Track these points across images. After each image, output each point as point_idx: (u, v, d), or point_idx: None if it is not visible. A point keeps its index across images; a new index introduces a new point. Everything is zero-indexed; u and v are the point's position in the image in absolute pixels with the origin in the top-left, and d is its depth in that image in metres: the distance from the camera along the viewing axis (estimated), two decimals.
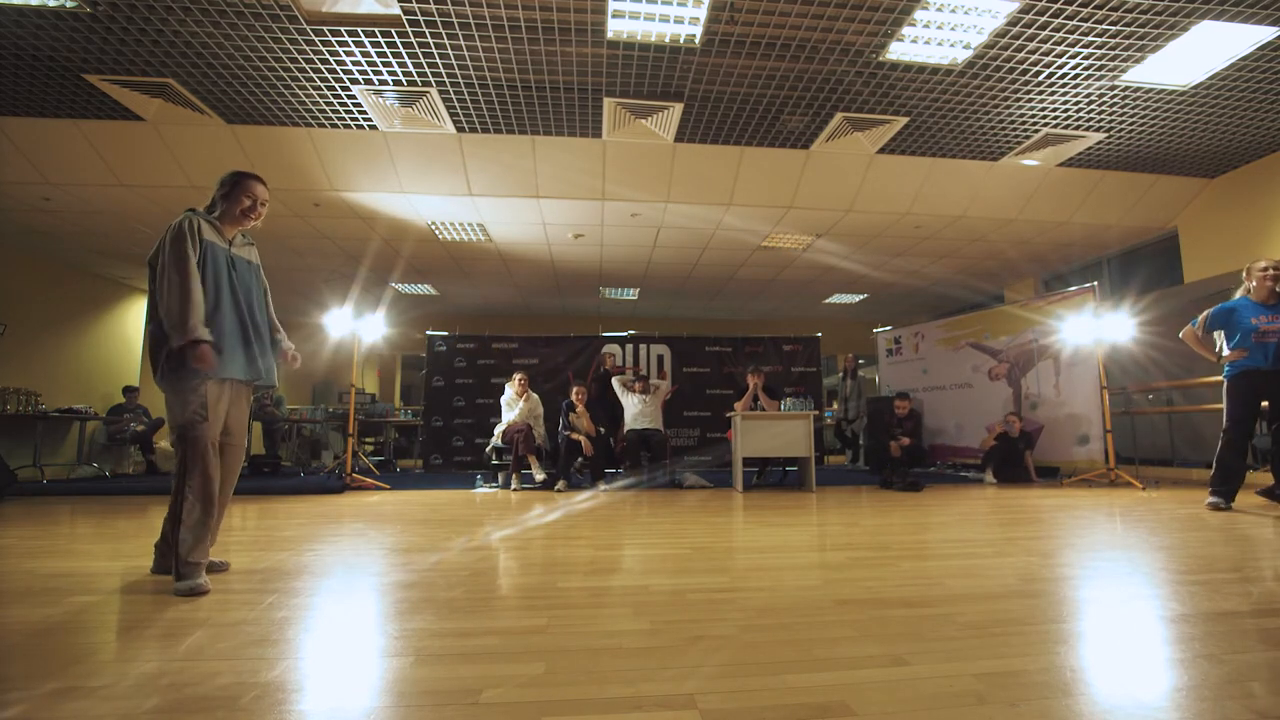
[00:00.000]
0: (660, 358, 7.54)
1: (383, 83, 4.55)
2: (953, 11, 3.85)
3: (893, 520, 3.49)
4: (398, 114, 4.95)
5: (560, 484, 5.33)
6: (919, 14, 3.87)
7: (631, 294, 10.00)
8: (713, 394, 7.46)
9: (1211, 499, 3.84)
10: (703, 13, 3.85)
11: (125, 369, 8.68)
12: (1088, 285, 6.30)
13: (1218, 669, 1.28)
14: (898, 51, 4.25)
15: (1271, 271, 3.83)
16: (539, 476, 5.37)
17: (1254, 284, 3.89)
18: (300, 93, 4.67)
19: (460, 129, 5.23)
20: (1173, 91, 4.77)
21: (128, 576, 2.16)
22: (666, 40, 4.13)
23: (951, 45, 4.19)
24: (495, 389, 6.69)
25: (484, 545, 2.79)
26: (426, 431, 7.25)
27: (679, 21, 3.95)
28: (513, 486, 5.43)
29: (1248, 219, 6.05)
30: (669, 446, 5.96)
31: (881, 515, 3.71)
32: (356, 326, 5.79)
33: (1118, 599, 1.84)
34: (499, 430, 5.73)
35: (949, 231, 7.08)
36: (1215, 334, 4.05)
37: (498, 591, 1.97)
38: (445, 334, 7.48)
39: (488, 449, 5.83)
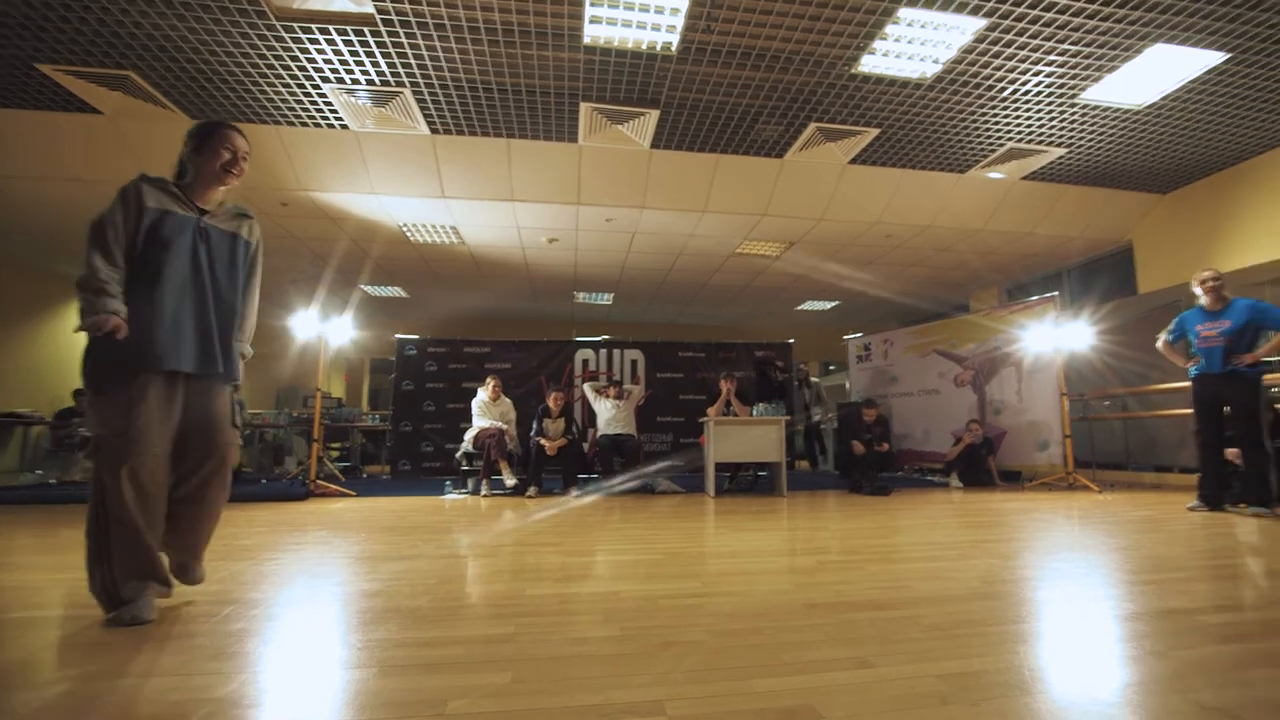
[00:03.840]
0: (634, 363, 7.54)
1: (355, 82, 4.48)
2: (922, 27, 3.95)
3: (861, 524, 3.54)
4: (370, 114, 4.88)
5: (531, 490, 5.28)
6: (890, 28, 3.96)
7: (606, 299, 9.99)
8: (686, 399, 7.48)
9: (1192, 503, 4.08)
10: (679, 21, 3.88)
11: (75, 372, 8.33)
12: (1049, 295, 6.50)
13: (1164, 664, 1.33)
14: (869, 64, 4.34)
15: (1210, 282, 4.05)
16: (510, 482, 5.31)
17: (1200, 293, 4.11)
18: (269, 89, 4.56)
19: (434, 130, 5.17)
20: (1128, 110, 4.97)
21: (73, 590, 2.07)
22: (643, 47, 4.15)
23: (921, 60, 4.30)
24: (466, 393, 6.60)
25: (452, 552, 2.74)
26: (395, 437, 7.11)
27: (656, 29, 3.97)
28: (483, 492, 5.36)
29: (1197, 233, 6.33)
30: (642, 452, 5.96)
31: (850, 519, 3.76)
32: (323, 329, 5.66)
33: (1075, 599, 1.89)
34: (470, 435, 5.65)
35: (918, 241, 7.25)
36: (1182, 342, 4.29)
37: (465, 599, 1.93)
38: (415, 337, 7.36)
39: (458, 454, 5.75)
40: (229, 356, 1.88)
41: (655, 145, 5.48)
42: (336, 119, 4.96)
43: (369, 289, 9.09)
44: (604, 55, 4.22)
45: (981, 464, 6.25)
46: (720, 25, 3.94)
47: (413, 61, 4.25)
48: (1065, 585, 2.08)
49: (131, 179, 1.80)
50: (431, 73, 4.38)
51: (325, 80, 4.44)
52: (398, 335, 7.38)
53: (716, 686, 1.23)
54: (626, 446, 5.84)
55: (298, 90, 4.56)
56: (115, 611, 1.65)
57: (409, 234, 6.82)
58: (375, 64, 4.27)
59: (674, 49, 4.16)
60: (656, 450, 7.27)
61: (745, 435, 5.35)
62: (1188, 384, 4.23)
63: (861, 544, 2.88)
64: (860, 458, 5.85)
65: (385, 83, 4.50)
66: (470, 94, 4.65)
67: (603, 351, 7.55)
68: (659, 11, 3.80)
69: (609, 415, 5.99)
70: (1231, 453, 4.07)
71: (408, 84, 4.51)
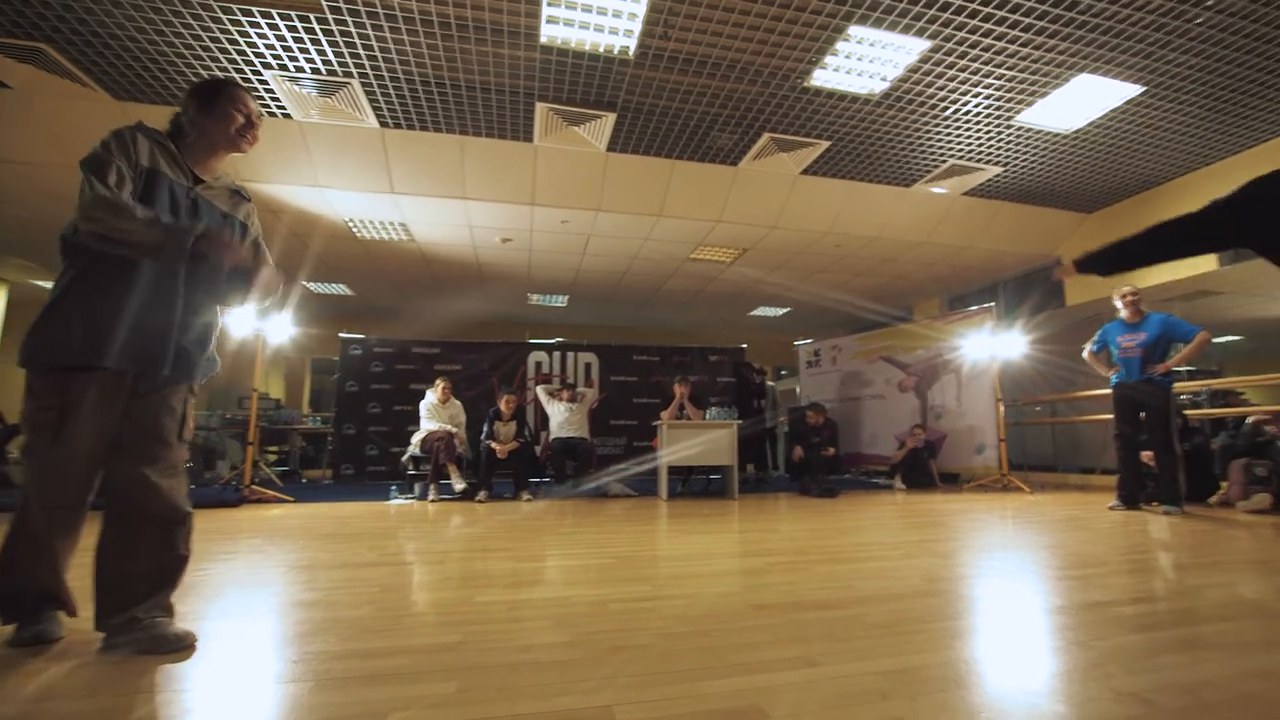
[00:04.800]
0: (588, 365, 7.51)
1: (299, 70, 4.29)
2: (871, 45, 4.09)
3: (809, 526, 3.62)
4: (315, 104, 4.69)
5: (481, 494, 5.17)
6: (840, 45, 4.09)
7: (560, 301, 9.92)
8: (640, 403, 7.50)
9: (1112, 502, 4.36)
10: (637, 26, 3.90)
11: None
12: (986, 306, 6.83)
13: (1086, 654, 1.41)
14: (821, 79, 4.46)
15: (1129, 297, 4.36)
16: (459, 486, 5.18)
17: (1120, 306, 4.41)
18: (204, 72, 4.32)
19: (384, 124, 5.01)
20: (1058, 134, 5.28)
21: None
22: (600, 50, 4.14)
23: (870, 76, 4.45)
24: (414, 395, 6.42)
25: (397, 559, 2.65)
26: (337, 439, 6.86)
27: (613, 33, 3.97)
28: (430, 497, 5.21)
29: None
30: (595, 455, 5.93)
31: (799, 521, 3.84)
32: (261, 326, 5.39)
33: (1008, 595, 1.99)
34: (417, 438, 5.50)
35: (865, 252, 7.49)
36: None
37: (410, 608, 1.87)
38: (361, 337, 7.12)
39: (404, 458, 5.58)
40: (189, 361, 1.59)
41: (612, 149, 5.48)
42: (279, 107, 4.74)
43: (311, 285, 8.73)
44: (561, 56, 4.20)
45: (923, 466, 6.50)
46: (678, 33, 3.97)
47: (361, 52, 4.12)
48: (999, 582, 2.18)
49: (127, 125, 1.52)
50: (382, 65, 4.25)
51: (267, 66, 4.25)
52: (342, 334, 7.12)
53: (665, 689, 1.23)
54: (579, 450, 5.80)
55: (236, 75, 4.34)
56: (17, 628, 1.50)
57: (355, 230, 6.59)
58: (322, 53, 4.11)
59: (631, 53, 4.17)
60: (610, 454, 7.26)
61: (698, 439, 5.40)
62: (1109, 391, 4.52)
63: (809, 545, 2.94)
64: (804, 462, 6.00)
65: (332, 73, 4.34)
66: (422, 88, 4.54)
67: (556, 354, 7.49)
68: (617, 15, 3.81)
69: (562, 418, 5.94)
70: (1146, 455, 4.37)
71: (356, 75, 4.37)
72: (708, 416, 5.63)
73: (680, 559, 2.65)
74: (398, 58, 4.18)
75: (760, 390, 7.78)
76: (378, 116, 4.90)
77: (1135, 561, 2.51)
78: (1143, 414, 4.29)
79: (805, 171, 5.97)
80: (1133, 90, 4.60)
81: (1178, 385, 4.53)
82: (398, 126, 5.06)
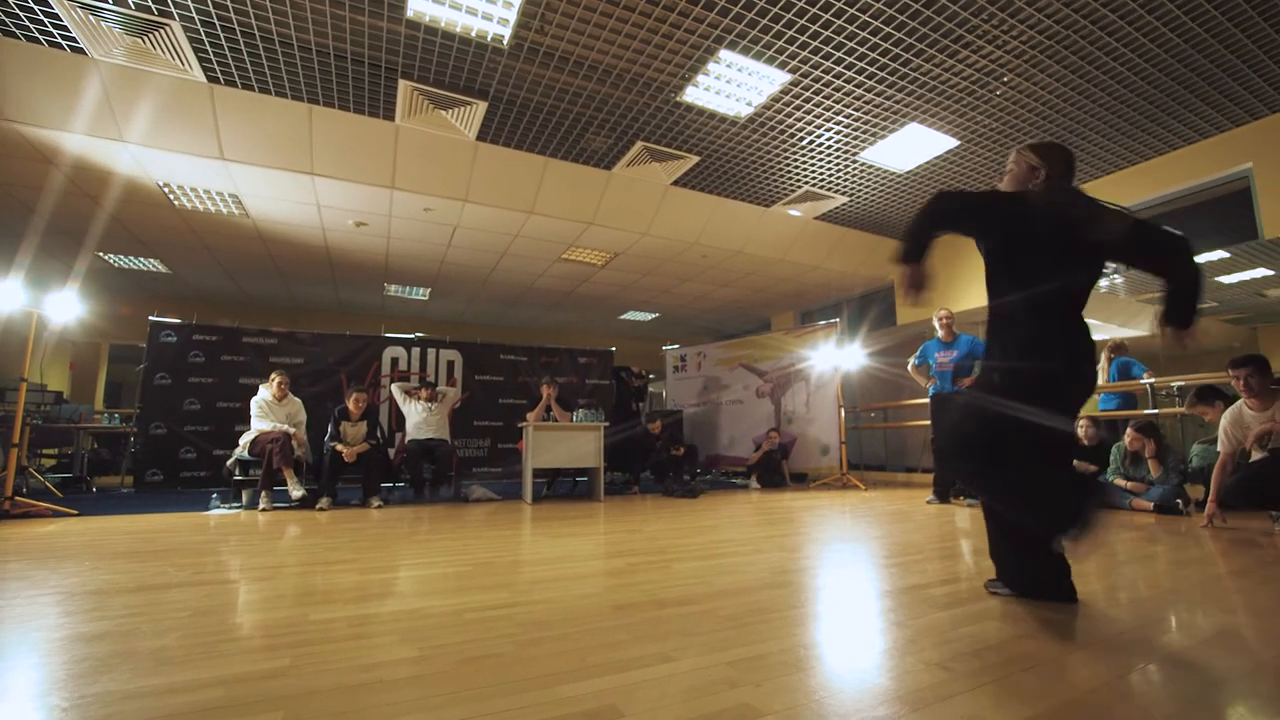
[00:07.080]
0: (451, 364, 7.15)
1: None
2: (739, 71, 4.35)
3: (671, 525, 3.73)
4: (120, 42, 3.98)
5: (324, 501, 4.69)
6: (711, 66, 4.29)
7: (422, 294, 9.36)
8: (506, 403, 7.28)
9: (929, 497, 4.97)
10: (512, 15, 3.79)
11: None
12: (832, 321, 7.53)
13: (903, 632, 1.58)
14: (693, 95, 4.65)
15: (944, 319, 5.05)
16: (296, 494, 4.65)
17: (937, 327, 5.09)
18: None
19: (213, 79, 4.39)
20: (893, 173, 5.98)
21: None
22: (473, 34, 3.97)
23: (737, 100, 4.72)
24: (245, 391, 5.68)
25: (215, 578, 2.31)
26: (142, 440, 5.86)
27: (487, 19, 3.83)
28: (261, 506, 4.63)
29: (937, 279, 7.83)
30: (455, 458, 5.64)
31: (662, 521, 3.94)
32: (35, 303, 4.45)
33: (843, 583, 2.18)
34: (246, 439, 4.86)
35: (730, 264, 7.94)
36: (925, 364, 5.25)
37: (229, 633, 1.63)
38: (177, 321, 6.16)
39: (229, 462, 4.91)
40: None
41: (482, 138, 5.27)
42: (65, 37, 3.95)
43: (111, 258, 7.40)
44: (429, 34, 3.96)
45: (776, 467, 7.01)
46: (554, 29, 3.92)
47: None
48: (837, 571, 2.40)
49: None
50: (212, 10, 3.71)
51: None
52: (152, 317, 6.12)
53: (519, 698, 1.18)
54: (438, 452, 5.48)
55: None
56: None
57: (173, 197, 5.70)
58: None
59: (505, 43, 4.05)
60: (472, 456, 6.96)
61: (565, 441, 5.35)
62: (928, 400, 5.18)
63: (670, 544, 3.02)
64: (660, 468, 6.25)
65: (145, 9, 3.71)
66: (264, 45, 4.04)
67: (415, 350, 7.04)
68: (491, 1, 3.67)
69: (420, 419, 5.59)
70: None
71: (178, 17, 3.77)
72: (575, 418, 5.60)
73: (543, 563, 2.59)
74: (233, 5, 3.68)
75: (640, 394, 7.95)
76: (205, 70, 4.28)
77: (945, 548, 2.88)
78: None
79: (676, 183, 6.18)
80: (951, 142, 5.35)
81: None
82: (231, 84, 4.46)
